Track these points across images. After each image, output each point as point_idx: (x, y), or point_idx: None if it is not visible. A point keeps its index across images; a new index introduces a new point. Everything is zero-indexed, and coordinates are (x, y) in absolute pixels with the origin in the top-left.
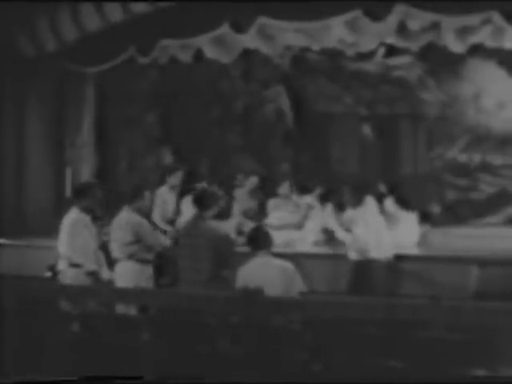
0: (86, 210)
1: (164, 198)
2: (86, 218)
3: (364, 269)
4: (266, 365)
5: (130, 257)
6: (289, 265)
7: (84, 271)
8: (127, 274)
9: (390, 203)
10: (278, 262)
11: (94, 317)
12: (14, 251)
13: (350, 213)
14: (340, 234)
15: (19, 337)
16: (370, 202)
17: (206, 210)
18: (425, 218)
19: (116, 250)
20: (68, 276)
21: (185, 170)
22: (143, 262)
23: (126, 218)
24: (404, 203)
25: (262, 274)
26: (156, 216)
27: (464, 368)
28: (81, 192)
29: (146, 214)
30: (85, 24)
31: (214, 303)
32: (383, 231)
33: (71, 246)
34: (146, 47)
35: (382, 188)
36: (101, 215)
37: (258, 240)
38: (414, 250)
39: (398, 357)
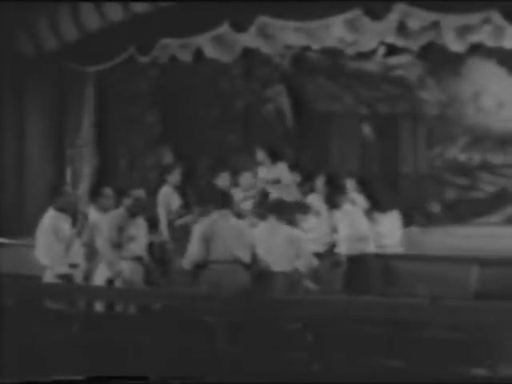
0: (61, 210)
1: (168, 198)
2: (61, 219)
3: (361, 268)
4: (266, 365)
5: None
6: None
7: (53, 273)
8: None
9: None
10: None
11: (94, 316)
12: (14, 250)
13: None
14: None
15: (19, 336)
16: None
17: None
18: (426, 217)
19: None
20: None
21: (183, 168)
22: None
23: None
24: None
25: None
26: (161, 217)
27: (464, 368)
28: (53, 192)
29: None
30: (85, 23)
31: (214, 303)
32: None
33: (38, 248)
34: (146, 46)
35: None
36: (81, 213)
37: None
38: (397, 249)
39: (398, 356)
